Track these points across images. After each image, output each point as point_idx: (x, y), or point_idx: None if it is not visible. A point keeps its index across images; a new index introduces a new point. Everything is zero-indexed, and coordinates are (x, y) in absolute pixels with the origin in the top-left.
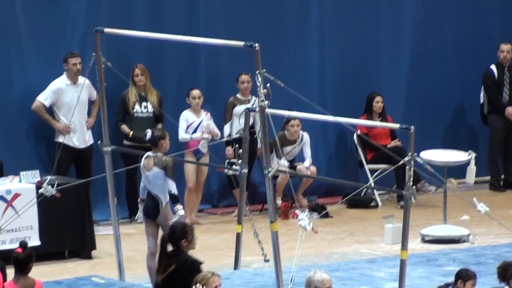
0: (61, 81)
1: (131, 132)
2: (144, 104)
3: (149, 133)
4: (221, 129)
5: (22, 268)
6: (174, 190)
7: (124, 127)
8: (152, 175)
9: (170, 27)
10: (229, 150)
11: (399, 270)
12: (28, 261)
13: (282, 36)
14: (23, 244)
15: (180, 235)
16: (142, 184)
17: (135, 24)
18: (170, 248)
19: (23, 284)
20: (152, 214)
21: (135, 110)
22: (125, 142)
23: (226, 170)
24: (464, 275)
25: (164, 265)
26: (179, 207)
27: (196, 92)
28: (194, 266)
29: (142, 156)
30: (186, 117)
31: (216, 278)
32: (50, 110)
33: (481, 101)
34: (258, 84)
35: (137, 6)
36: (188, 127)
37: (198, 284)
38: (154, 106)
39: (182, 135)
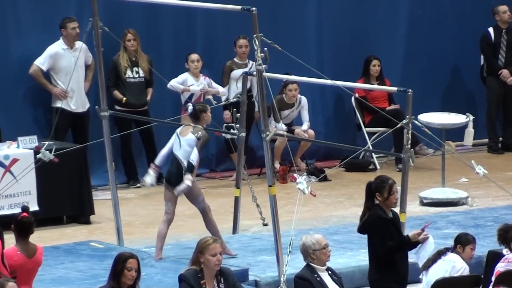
0: (58, 46)
1: (124, 98)
2: (135, 69)
3: (190, 107)
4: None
5: (26, 233)
6: (195, 161)
7: (117, 93)
8: (185, 140)
9: None
10: (227, 114)
11: None
12: (33, 226)
13: (279, 0)
14: (26, 209)
15: (374, 188)
16: (164, 152)
17: None
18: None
19: (28, 251)
20: (175, 180)
21: (127, 75)
22: (117, 107)
23: (224, 134)
24: (464, 240)
25: (363, 214)
26: (188, 176)
27: (194, 56)
28: (374, 223)
29: (136, 122)
30: (186, 78)
31: (217, 245)
32: (47, 75)
33: (481, 63)
34: (255, 48)
35: None
36: (185, 90)
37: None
38: (146, 72)
39: (173, 83)
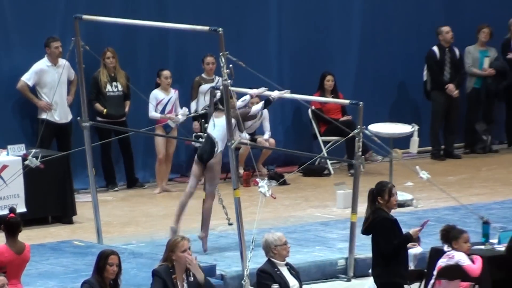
0: (43, 63)
1: (105, 110)
2: (114, 84)
3: (218, 93)
4: (188, 105)
5: (15, 232)
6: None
7: (98, 106)
8: (220, 121)
9: (142, 13)
10: (195, 124)
11: (349, 231)
12: (20, 225)
13: (243, 21)
14: (13, 210)
15: (376, 191)
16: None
17: (110, 10)
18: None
19: (17, 248)
20: (206, 157)
21: (107, 90)
22: (98, 118)
23: (193, 143)
24: None
25: (367, 217)
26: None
27: (167, 73)
28: (380, 224)
29: (115, 131)
30: (156, 95)
31: (185, 242)
32: (33, 90)
33: (424, 78)
34: (221, 65)
35: None
36: (158, 104)
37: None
38: (124, 86)
39: (152, 113)
